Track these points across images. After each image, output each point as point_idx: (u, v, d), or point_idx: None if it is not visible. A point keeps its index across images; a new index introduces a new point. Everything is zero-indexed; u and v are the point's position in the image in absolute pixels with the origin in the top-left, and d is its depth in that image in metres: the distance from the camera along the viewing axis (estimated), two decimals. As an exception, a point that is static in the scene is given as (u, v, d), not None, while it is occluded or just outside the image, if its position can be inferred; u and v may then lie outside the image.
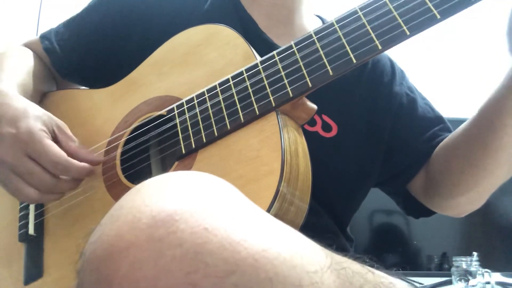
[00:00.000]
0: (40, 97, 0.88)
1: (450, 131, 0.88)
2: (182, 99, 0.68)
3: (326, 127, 0.81)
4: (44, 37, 0.93)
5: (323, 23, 0.94)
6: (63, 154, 0.66)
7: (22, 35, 0.96)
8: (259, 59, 0.64)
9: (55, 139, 0.69)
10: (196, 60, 0.71)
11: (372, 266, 0.47)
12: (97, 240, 0.37)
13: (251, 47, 0.67)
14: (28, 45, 0.93)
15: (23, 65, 0.85)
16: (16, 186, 0.66)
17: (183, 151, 0.64)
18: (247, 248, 0.35)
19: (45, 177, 0.66)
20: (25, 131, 0.65)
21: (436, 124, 0.89)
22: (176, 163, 0.65)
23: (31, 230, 0.75)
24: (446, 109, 0.94)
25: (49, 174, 0.66)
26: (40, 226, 0.76)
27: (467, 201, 0.84)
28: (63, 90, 0.91)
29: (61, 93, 0.90)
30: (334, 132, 0.81)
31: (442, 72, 1.93)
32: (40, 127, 0.67)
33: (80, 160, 0.69)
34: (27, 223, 0.76)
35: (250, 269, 0.34)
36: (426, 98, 0.94)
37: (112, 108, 0.78)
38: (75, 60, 0.90)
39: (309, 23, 0.91)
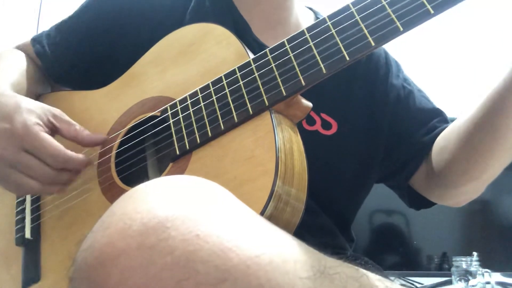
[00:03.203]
0: (35, 99, 0.87)
1: (448, 122, 0.88)
2: (175, 99, 0.68)
3: (326, 125, 0.81)
4: (35, 40, 0.92)
5: (316, 15, 0.94)
6: (60, 146, 0.66)
7: (22, 35, 0.96)
8: (252, 57, 0.64)
9: (54, 129, 0.69)
10: (189, 59, 0.71)
11: (368, 269, 0.46)
12: (88, 247, 0.37)
13: (244, 46, 0.67)
14: (20, 48, 0.92)
15: (16, 67, 0.84)
16: (17, 179, 0.66)
17: (177, 152, 0.64)
18: (239, 254, 0.35)
19: (44, 168, 0.65)
20: (20, 126, 0.65)
21: (434, 116, 0.89)
22: (170, 164, 0.65)
23: (27, 234, 0.75)
24: (446, 109, 0.94)
25: (47, 165, 0.65)
26: (36, 229, 0.76)
27: (470, 190, 0.83)
28: (58, 92, 0.91)
29: (55, 95, 0.89)
30: (334, 129, 0.81)
31: (442, 72, 1.92)
32: (34, 120, 0.66)
33: (85, 143, 0.69)
34: (24, 226, 0.76)
35: (242, 276, 0.34)
36: (422, 90, 0.94)
37: (107, 109, 0.78)
38: (66, 64, 0.90)
39: (303, 19, 0.91)
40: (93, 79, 0.87)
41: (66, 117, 0.71)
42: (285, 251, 0.38)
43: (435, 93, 1.01)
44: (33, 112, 0.67)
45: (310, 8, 0.96)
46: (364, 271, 0.44)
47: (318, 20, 0.60)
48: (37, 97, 0.89)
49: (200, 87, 0.66)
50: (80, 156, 0.68)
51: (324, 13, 0.93)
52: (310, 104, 0.64)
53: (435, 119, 0.88)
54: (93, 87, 0.83)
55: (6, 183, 0.68)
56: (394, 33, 0.53)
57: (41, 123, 0.67)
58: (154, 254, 0.34)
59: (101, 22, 0.88)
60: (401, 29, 0.53)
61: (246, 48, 0.66)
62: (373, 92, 0.87)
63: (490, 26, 1.83)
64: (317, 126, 0.80)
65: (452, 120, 0.87)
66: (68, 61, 0.90)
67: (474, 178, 0.79)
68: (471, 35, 1.89)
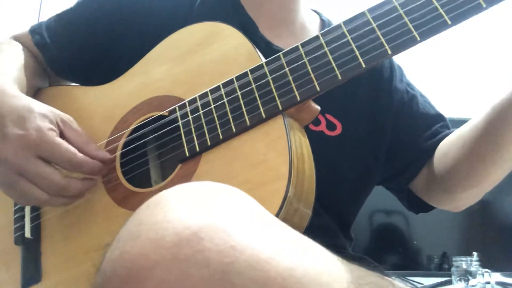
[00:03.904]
0: (34, 94, 0.85)
1: (449, 129, 0.89)
2: (183, 99, 0.67)
3: (331, 126, 0.81)
4: (34, 31, 0.89)
5: (321, 18, 0.94)
6: (74, 150, 0.64)
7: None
8: (264, 60, 0.63)
9: (61, 135, 0.67)
10: (197, 59, 0.70)
11: (374, 269, 0.46)
12: (118, 257, 0.35)
13: (256, 48, 0.66)
14: (17, 38, 0.89)
15: (15, 60, 0.82)
16: (24, 188, 0.63)
17: (187, 154, 0.63)
18: (275, 266, 0.34)
19: (55, 178, 0.63)
20: (34, 132, 0.63)
21: (437, 121, 0.90)
22: (179, 165, 0.64)
23: (27, 233, 0.73)
24: (446, 109, 0.94)
25: (60, 175, 0.64)
26: (36, 229, 0.74)
27: (470, 196, 0.84)
28: (57, 86, 0.89)
29: (55, 90, 0.87)
30: (338, 130, 0.81)
31: (442, 72, 1.93)
32: (48, 126, 0.64)
33: (89, 156, 0.67)
34: (23, 225, 0.74)
35: None
36: (425, 95, 0.95)
37: (110, 106, 0.76)
38: (69, 57, 0.88)
39: (309, 21, 0.91)
40: (95, 73, 0.86)
41: (76, 126, 0.69)
42: (318, 262, 0.38)
43: (436, 96, 1.02)
44: (46, 116, 0.65)
45: (315, 11, 0.96)
46: (389, 279, 0.44)
47: (333, 25, 0.60)
48: (36, 91, 0.87)
49: (210, 88, 0.65)
50: (94, 160, 0.66)
51: (326, 15, 0.94)
52: (318, 108, 0.64)
53: (437, 124, 0.89)
54: (95, 81, 0.81)
55: (11, 190, 0.66)
56: (411, 42, 0.53)
57: (54, 128, 0.65)
58: (190, 266, 0.33)
59: (104, 14, 0.86)
60: (418, 38, 0.53)
61: (257, 50, 0.66)
62: (377, 94, 0.87)
63: (492, 29, 1.83)
64: (322, 127, 0.80)
65: (451, 121, 0.88)
66: (70, 54, 0.88)
67: (475, 185, 0.80)
68: (472, 39, 1.89)
